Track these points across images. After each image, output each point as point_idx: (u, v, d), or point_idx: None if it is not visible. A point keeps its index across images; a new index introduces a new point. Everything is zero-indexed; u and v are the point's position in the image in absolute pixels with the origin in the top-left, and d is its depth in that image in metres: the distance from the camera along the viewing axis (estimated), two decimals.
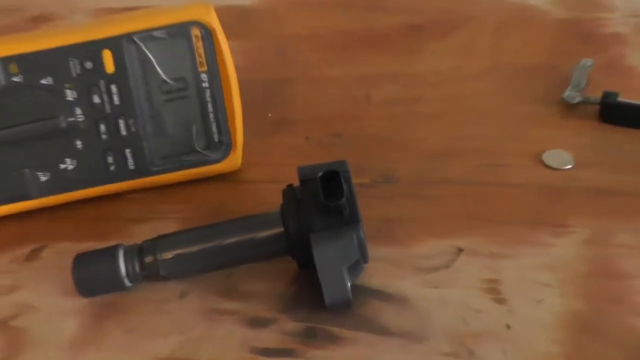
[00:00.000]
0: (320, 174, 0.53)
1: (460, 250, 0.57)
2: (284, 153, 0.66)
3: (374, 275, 0.56)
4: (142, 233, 0.59)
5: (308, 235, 0.53)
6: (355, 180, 0.54)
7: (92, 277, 0.55)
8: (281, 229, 0.55)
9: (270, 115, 0.69)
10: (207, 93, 0.61)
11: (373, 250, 0.54)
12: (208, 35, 0.60)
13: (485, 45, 0.76)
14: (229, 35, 0.61)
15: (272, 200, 0.57)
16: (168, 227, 0.59)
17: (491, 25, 0.79)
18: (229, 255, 0.55)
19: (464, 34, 0.78)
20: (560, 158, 0.64)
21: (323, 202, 0.52)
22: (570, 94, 0.68)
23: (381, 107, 0.70)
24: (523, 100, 0.69)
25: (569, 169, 0.63)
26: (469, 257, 0.57)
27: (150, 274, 0.55)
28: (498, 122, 0.67)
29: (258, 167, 0.65)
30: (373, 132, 0.67)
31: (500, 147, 0.65)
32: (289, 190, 0.56)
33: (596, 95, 0.68)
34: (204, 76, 0.61)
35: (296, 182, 0.56)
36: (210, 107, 0.62)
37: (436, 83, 0.72)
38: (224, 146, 0.63)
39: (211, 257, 0.55)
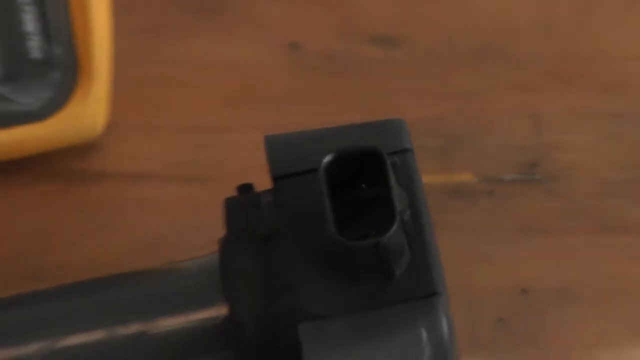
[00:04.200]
0: (330, 157, 0.28)
1: None
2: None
3: None
4: None
5: (293, 329, 0.28)
6: (428, 177, 0.29)
7: None
8: (218, 313, 0.30)
9: None
10: None
11: None
12: None
13: None
14: None
15: (187, 231, 0.36)
16: None
17: None
18: None
19: None
20: None
21: (335, 237, 0.28)
22: None
23: None
24: None
25: None
26: None
27: None
28: None
29: (147, 143, 0.40)
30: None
31: None
32: (238, 207, 0.30)
33: None
34: None
35: (258, 181, 0.31)
36: None
37: None
38: (59, 73, 0.38)
39: None
